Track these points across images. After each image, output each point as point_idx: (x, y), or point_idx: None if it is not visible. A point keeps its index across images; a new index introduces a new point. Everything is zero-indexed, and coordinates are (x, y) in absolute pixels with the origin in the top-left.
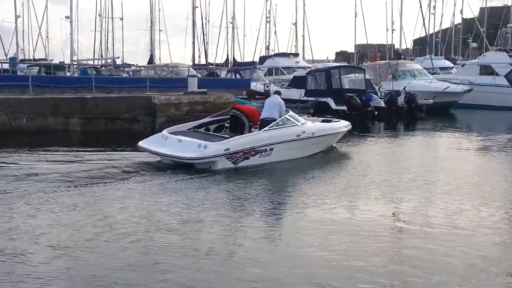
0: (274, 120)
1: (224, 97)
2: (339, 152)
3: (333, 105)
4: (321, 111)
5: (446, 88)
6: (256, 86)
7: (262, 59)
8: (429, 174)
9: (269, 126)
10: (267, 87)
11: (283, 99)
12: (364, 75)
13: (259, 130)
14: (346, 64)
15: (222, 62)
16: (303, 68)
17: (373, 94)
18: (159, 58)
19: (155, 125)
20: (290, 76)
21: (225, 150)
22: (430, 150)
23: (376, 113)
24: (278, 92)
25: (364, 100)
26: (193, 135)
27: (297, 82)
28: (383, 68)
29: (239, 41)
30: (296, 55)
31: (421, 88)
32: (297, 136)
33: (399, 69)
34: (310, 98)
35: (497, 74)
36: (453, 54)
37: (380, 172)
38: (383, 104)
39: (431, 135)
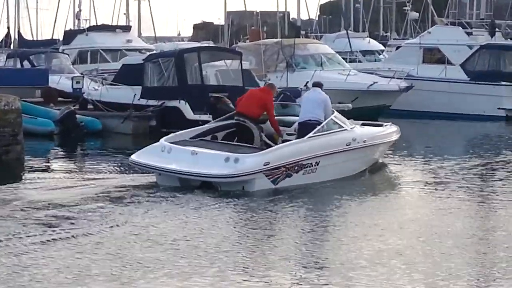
0: (319, 123)
1: (1, 101)
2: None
3: (189, 113)
4: (169, 123)
5: (372, 85)
6: (60, 81)
7: (69, 36)
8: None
9: (313, 131)
10: (77, 82)
11: (109, 105)
12: (241, 63)
13: (298, 137)
14: (211, 44)
15: None
16: (139, 51)
17: None
18: None
19: None
20: (118, 65)
21: (264, 165)
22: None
23: None
24: (319, 84)
25: None
26: (208, 146)
27: (128, 75)
28: (272, 51)
29: (28, 4)
30: (127, 29)
31: (333, 84)
32: (347, 145)
33: (298, 53)
34: (150, 102)
35: (449, 62)
36: (382, 29)
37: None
38: None
39: None
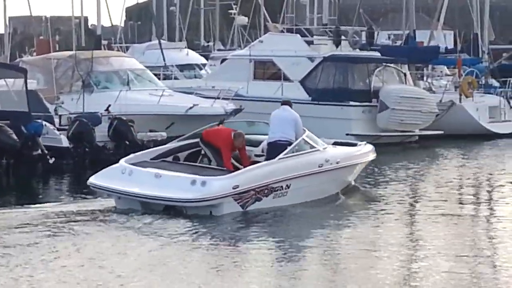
0: (290, 143)
1: None
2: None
3: None
4: None
5: (191, 108)
6: None
7: None
8: None
9: (284, 152)
10: None
11: None
12: (26, 82)
13: (268, 158)
14: None
15: None
16: None
17: (44, 122)
18: None
19: None
20: None
21: (233, 188)
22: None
23: (52, 160)
24: (288, 103)
25: (27, 134)
26: (171, 167)
27: None
28: (66, 66)
29: None
30: None
31: (143, 107)
32: (319, 166)
33: (98, 69)
34: None
35: (286, 78)
36: (203, 38)
37: None
38: (66, 143)
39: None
